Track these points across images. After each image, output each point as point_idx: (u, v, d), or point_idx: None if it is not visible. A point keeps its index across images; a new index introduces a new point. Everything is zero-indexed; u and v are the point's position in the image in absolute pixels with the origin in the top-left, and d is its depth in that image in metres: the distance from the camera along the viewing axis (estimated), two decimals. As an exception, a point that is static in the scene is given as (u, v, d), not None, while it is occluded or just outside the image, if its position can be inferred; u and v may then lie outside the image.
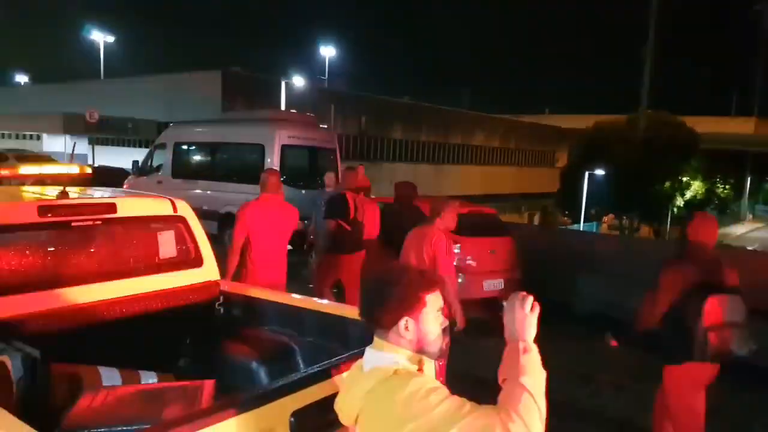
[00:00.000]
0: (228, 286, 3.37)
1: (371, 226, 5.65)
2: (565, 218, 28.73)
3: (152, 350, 2.77)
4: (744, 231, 34.28)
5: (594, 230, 23.32)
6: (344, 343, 2.70)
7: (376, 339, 1.53)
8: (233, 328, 3.21)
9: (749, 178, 40.19)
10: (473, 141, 32.85)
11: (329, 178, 7.87)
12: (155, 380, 2.52)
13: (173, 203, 3.23)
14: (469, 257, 6.87)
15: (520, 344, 1.46)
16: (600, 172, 24.14)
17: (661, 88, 28.57)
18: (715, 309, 2.91)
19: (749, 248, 21.89)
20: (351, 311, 2.86)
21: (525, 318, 1.48)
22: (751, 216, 41.15)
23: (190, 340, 3.18)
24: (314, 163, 10.15)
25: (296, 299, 3.17)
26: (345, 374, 1.59)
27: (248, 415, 1.67)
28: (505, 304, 1.54)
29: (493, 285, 6.84)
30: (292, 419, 1.78)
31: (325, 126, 11.78)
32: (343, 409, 1.52)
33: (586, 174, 24.62)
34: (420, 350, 1.50)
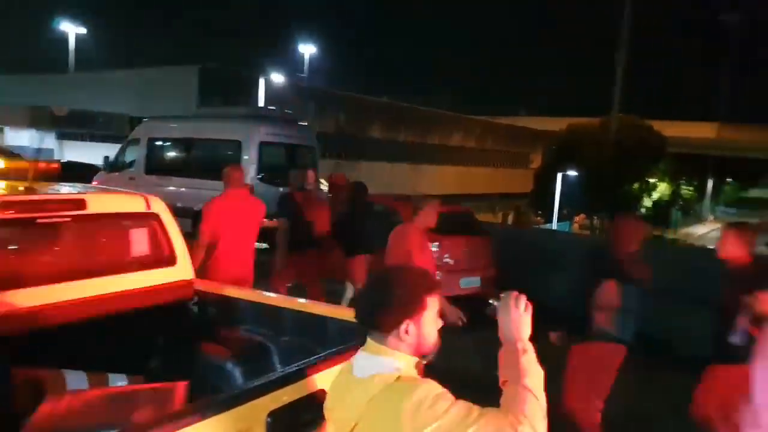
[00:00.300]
0: (202, 285, 3.31)
1: (321, 223, 5.72)
2: (538, 218, 29.12)
3: (123, 352, 2.69)
4: (705, 231, 35.24)
5: (566, 230, 23.66)
6: (321, 341, 2.66)
7: (372, 343, 1.45)
8: (208, 327, 3.15)
9: (711, 181, 41.38)
10: (450, 141, 33.01)
11: (309, 176, 7.80)
12: (125, 383, 2.45)
13: (146, 200, 3.15)
14: (446, 255, 6.94)
15: (519, 345, 1.45)
16: (572, 173, 24.53)
17: (631, 93, 29.17)
18: (609, 293, 3.32)
19: (710, 247, 22.48)
20: (328, 309, 2.84)
21: (520, 318, 1.47)
22: (712, 217, 42.36)
23: (162, 340, 3.11)
24: (293, 161, 10.04)
25: (272, 298, 3.13)
26: (333, 380, 1.51)
27: (223, 416, 1.63)
28: (493, 302, 1.52)
29: (469, 282, 6.91)
30: (269, 419, 1.75)
31: (304, 123, 11.68)
32: (338, 418, 1.44)
33: (559, 175, 24.98)
34: (418, 353, 1.45)
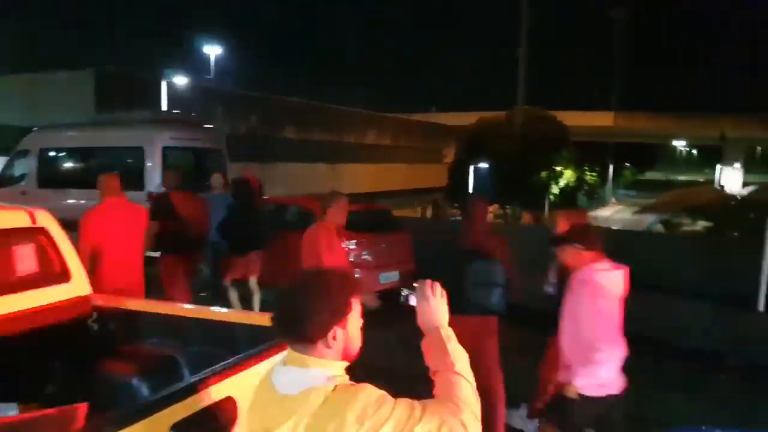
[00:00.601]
0: (102, 300, 3.12)
1: (199, 224, 5.68)
2: (455, 210, 29.96)
3: (14, 379, 2.49)
4: (609, 213, 37.51)
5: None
6: (232, 349, 2.60)
7: (297, 355, 1.35)
8: (110, 345, 2.98)
9: (612, 166, 44.32)
10: (365, 140, 33.19)
11: (216, 179, 7.60)
12: (15, 412, 2.26)
13: (31, 214, 2.93)
14: (364, 252, 6.99)
15: (442, 332, 1.45)
16: (484, 165, 25.43)
17: (535, 85, 30.74)
18: (475, 271, 3.64)
19: (614, 228, 24.04)
20: (236, 316, 2.78)
21: (439, 305, 1.47)
22: (614, 200, 45.25)
23: (59, 363, 2.90)
24: (200, 165, 9.71)
25: (179, 308, 3.01)
26: (252, 401, 1.40)
27: (121, 435, 1.55)
28: (405, 291, 1.53)
29: (388, 277, 7.00)
30: (172, 433, 1.69)
31: (211, 126, 11.32)
32: None
33: (471, 168, 25.82)
34: (345, 357, 1.39)
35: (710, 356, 5.51)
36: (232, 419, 1.89)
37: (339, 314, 1.36)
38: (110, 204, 4.46)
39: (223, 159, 9.95)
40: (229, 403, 1.89)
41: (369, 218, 7.65)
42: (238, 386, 1.96)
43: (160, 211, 5.39)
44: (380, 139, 34.43)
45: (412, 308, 1.53)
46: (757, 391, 4.96)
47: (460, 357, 1.43)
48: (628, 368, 2.95)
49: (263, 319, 2.71)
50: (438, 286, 1.50)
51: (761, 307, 5.88)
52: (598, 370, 2.80)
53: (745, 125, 38.73)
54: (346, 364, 1.38)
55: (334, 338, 1.34)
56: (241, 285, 6.35)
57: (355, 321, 1.40)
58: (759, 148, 52.70)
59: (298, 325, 1.34)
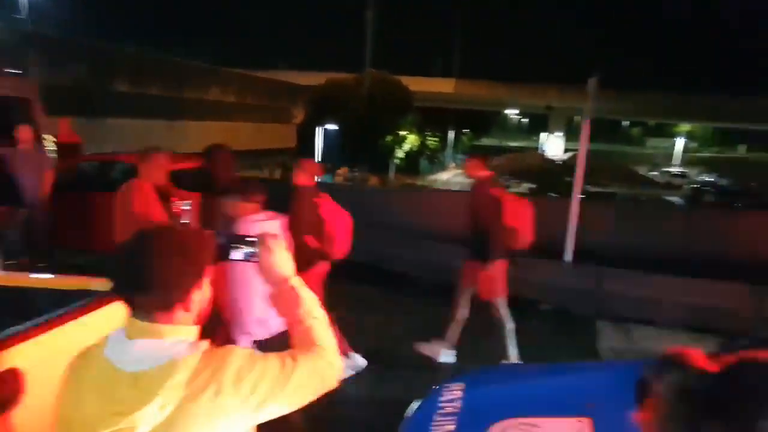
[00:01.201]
0: None
1: None
2: (304, 172, 29.86)
3: None
4: (448, 177, 40.07)
5: (330, 182, 24.69)
6: (25, 315, 2.32)
7: (143, 324, 1.21)
8: None
9: (453, 132, 47.10)
10: (209, 96, 31.33)
11: (24, 132, 6.68)
12: None
13: None
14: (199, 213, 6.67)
15: (291, 282, 1.44)
16: (333, 127, 25.53)
17: (381, 49, 31.27)
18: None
19: (453, 190, 25.75)
20: (34, 281, 2.47)
21: (284, 256, 1.46)
22: (454, 164, 48.29)
23: None
24: (4, 116, 8.44)
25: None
26: (87, 388, 1.17)
27: None
28: (235, 253, 1.47)
29: (226, 239, 6.79)
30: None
31: (18, 72, 9.85)
32: (132, 424, 1.13)
33: (320, 130, 25.80)
34: (198, 320, 1.29)
35: (528, 303, 6.15)
36: (17, 392, 1.69)
37: (199, 275, 1.26)
38: None
39: (33, 110, 8.74)
40: (11, 375, 1.68)
41: (204, 177, 7.30)
42: (26, 356, 1.76)
43: None
44: (224, 95, 32.70)
45: (235, 262, 1.50)
46: (560, 332, 5.69)
47: (312, 302, 1.45)
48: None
49: (65, 283, 2.46)
50: (280, 238, 1.49)
51: (569, 257, 6.67)
52: (243, 320, 3.00)
53: (568, 96, 43.15)
54: (197, 326, 1.29)
55: (192, 302, 1.24)
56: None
57: (208, 281, 1.31)
58: (578, 118, 59.32)
59: (155, 289, 1.20)
